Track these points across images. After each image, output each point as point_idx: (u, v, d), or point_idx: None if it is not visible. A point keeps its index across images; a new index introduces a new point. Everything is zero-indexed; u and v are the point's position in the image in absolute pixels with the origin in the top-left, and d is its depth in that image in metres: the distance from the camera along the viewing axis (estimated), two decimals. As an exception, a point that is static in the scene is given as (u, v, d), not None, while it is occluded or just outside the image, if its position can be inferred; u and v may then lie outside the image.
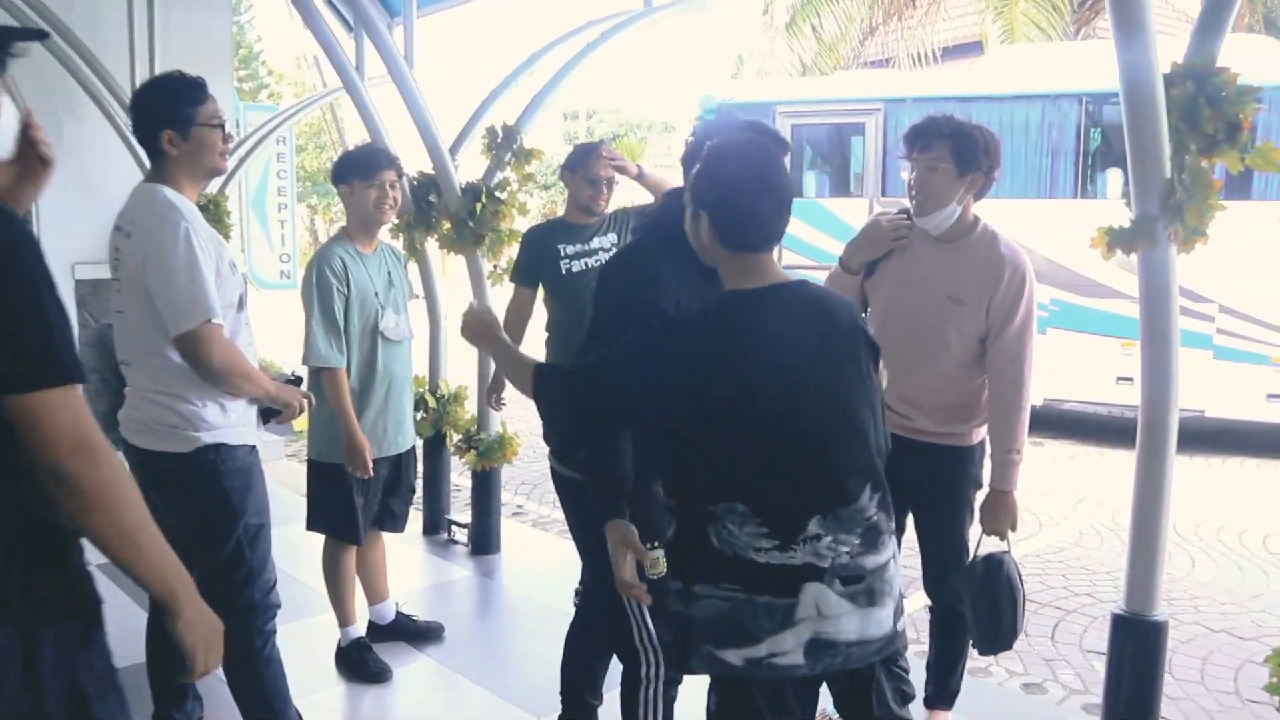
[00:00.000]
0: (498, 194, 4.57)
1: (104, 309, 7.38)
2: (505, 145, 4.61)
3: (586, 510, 2.48)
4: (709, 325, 1.98)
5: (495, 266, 4.62)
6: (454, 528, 5.07)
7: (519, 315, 3.94)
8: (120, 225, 2.56)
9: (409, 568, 4.68)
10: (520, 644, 3.92)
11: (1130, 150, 2.58)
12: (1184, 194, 2.53)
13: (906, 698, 2.15)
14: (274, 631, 2.72)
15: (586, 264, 3.76)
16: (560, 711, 3.03)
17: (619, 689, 2.71)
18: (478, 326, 2.32)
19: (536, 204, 23.76)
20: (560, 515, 6.15)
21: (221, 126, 2.56)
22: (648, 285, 2.33)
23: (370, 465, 3.28)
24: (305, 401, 2.78)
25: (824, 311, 2.01)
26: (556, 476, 2.80)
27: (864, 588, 1.95)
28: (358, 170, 3.37)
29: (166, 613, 1.65)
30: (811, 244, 8.53)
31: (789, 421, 1.91)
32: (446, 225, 4.65)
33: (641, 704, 2.59)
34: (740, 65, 16.57)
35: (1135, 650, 2.78)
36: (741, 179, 1.96)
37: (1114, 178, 8.22)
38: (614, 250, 3.76)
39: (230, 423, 2.60)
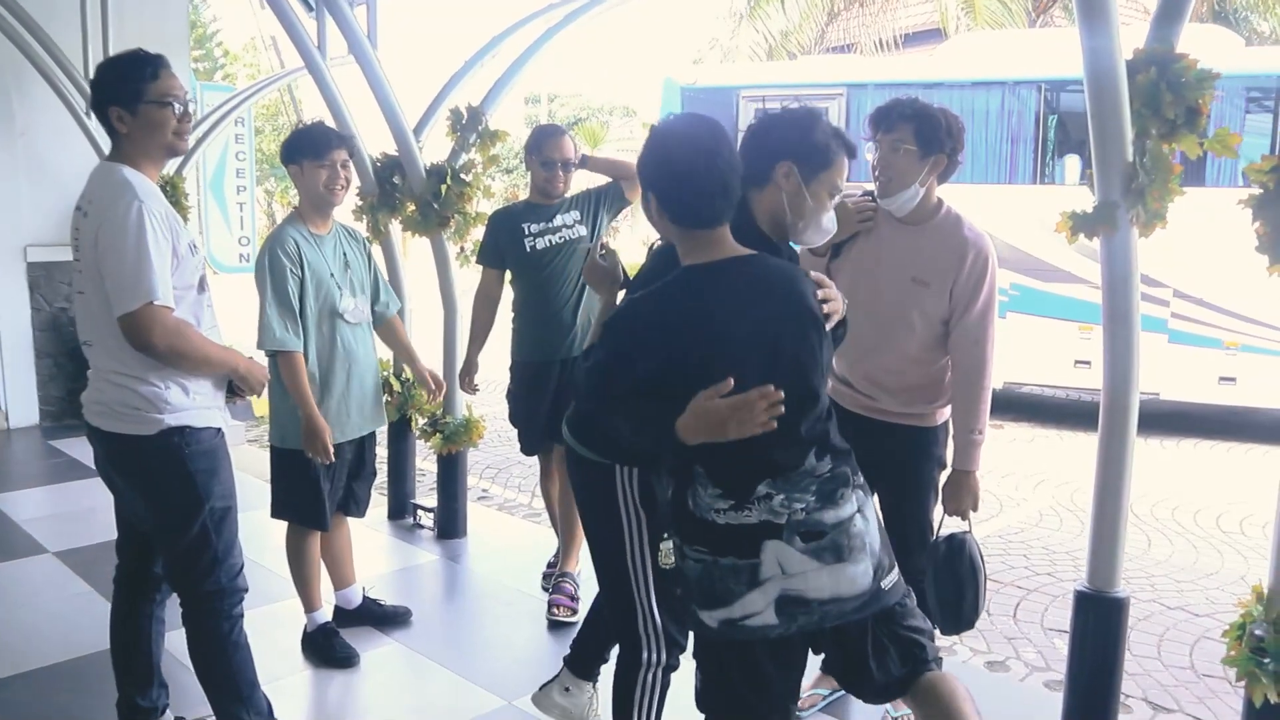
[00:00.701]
0: (463, 176, 4.53)
1: (57, 292, 7.25)
2: (470, 127, 4.57)
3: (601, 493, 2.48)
4: (663, 297, 2.03)
5: (461, 249, 4.59)
6: (419, 512, 5.05)
7: (487, 297, 3.98)
8: (80, 205, 2.52)
9: (375, 552, 4.65)
10: (488, 627, 3.92)
11: (1093, 135, 2.62)
12: (1145, 178, 2.57)
13: (916, 660, 2.11)
14: (241, 615, 2.69)
15: (549, 241, 3.84)
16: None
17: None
18: (602, 273, 2.55)
19: (500, 187, 23.63)
20: (524, 499, 6.20)
21: (173, 105, 2.48)
22: None
23: (331, 450, 3.24)
24: (268, 379, 2.74)
25: (770, 285, 2.03)
26: (577, 460, 2.59)
27: (828, 543, 1.98)
28: (308, 150, 3.31)
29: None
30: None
31: (735, 390, 1.90)
32: (411, 207, 4.61)
33: (639, 689, 2.55)
34: (707, 50, 16.55)
35: (1097, 626, 2.83)
36: (683, 158, 2.01)
37: (1072, 163, 8.33)
38: (575, 227, 3.82)
39: (195, 405, 2.56)
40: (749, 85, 9.06)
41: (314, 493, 3.34)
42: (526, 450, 4.10)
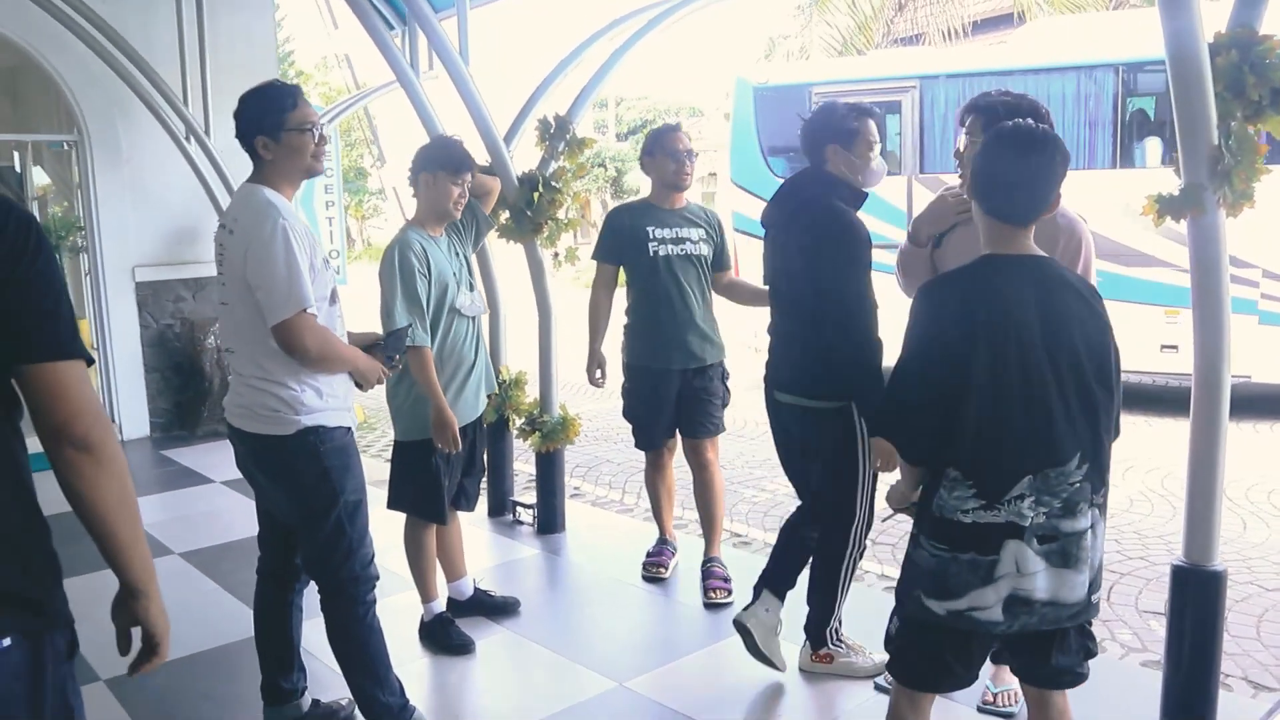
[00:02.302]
0: (553, 184, 4.70)
1: (163, 310, 7.62)
2: (558, 135, 4.75)
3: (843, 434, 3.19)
4: (958, 280, 2.26)
5: (555, 254, 4.78)
6: (519, 509, 5.24)
7: (605, 291, 4.20)
8: (224, 223, 2.77)
9: (479, 548, 4.85)
10: (594, 615, 4.08)
11: (1178, 118, 2.68)
12: (1231, 159, 2.62)
13: (1090, 653, 2.33)
14: (374, 601, 2.91)
15: (673, 251, 4.00)
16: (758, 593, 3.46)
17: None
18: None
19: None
20: (615, 495, 6.36)
21: (312, 131, 2.72)
22: None
23: (459, 440, 3.44)
24: (384, 373, 2.94)
25: (1064, 281, 2.22)
26: (805, 411, 3.26)
27: (1058, 548, 2.16)
28: (448, 164, 3.52)
29: (139, 595, 1.69)
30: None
31: (1021, 378, 2.13)
32: (504, 215, 4.79)
33: (846, 561, 3.33)
34: (773, 47, 16.57)
35: (1195, 600, 2.88)
36: (1003, 169, 2.21)
37: (1152, 146, 8.23)
38: (699, 244, 3.97)
39: (327, 406, 2.79)
40: (821, 82, 9.11)
41: (434, 486, 3.54)
42: (643, 446, 4.28)
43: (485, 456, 3.96)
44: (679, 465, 4.43)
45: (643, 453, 4.38)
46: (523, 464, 6.19)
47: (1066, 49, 8.48)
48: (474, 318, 3.67)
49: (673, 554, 4.38)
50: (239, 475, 6.11)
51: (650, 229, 4.01)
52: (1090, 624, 2.31)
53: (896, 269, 3.18)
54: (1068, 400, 2.14)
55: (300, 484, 2.78)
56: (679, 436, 4.26)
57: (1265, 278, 7.76)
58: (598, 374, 4.31)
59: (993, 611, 2.17)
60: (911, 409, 2.28)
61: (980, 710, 3.19)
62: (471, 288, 3.67)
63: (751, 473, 6.61)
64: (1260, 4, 2.70)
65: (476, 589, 4.02)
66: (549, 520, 5.06)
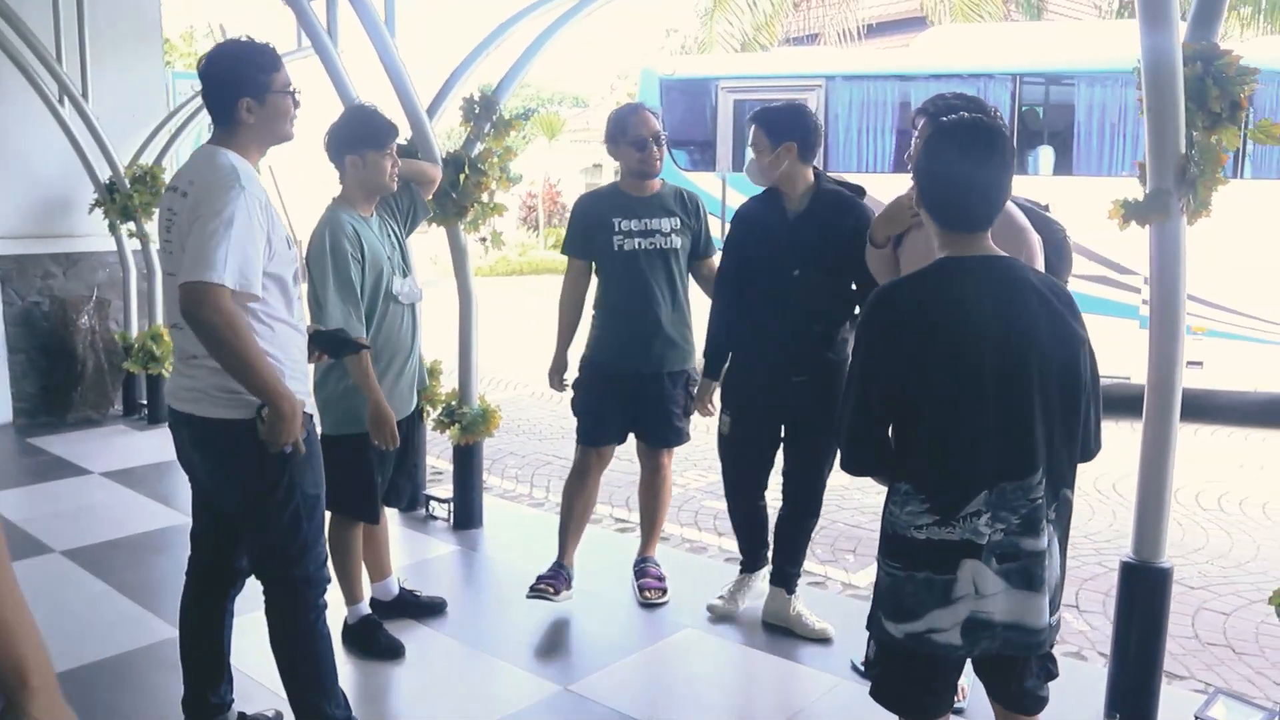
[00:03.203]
0: (479, 165, 4.51)
1: (30, 286, 7.07)
2: (484, 115, 4.56)
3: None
4: (911, 284, 2.15)
5: (483, 239, 4.59)
6: (432, 503, 5.03)
7: (575, 289, 3.90)
8: (176, 185, 2.52)
9: (392, 544, 4.54)
10: (524, 615, 3.90)
11: (1149, 127, 2.71)
12: (1196, 169, 2.67)
13: (1050, 674, 2.26)
14: (325, 606, 2.71)
15: (639, 245, 3.73)
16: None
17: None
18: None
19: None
20: (524, 489, 6.21)
21: (294, 94, 2.54)
22: None
23: (397, 435, 3.24)
24: (299, 442, 2.53)
25: (1026, 287, 2.08)
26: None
27: (1019, 567, 2.05)
28: (375, 139, 3.29)
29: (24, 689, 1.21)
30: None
31: (976, 387, 2.02)
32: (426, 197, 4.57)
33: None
34: (666, 39, 16.56)
35: (1143, 595, 2.95)
36: (952, 176, 2.11)
37: (1044, 155, 8.52)
38: (672, 235, 3.76)
39: (298, 390, 2.56)
40: (728, 76, 9.11)
41: (368, 484, 3.33)
42: (586, 440, 3.96)
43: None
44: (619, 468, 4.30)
45: (561, 459, 4.09)
46: (432, 456, 5.98)
47: (969, 56, 8.70)
48: (411, 305, 3.46)
49: (567, 583, 3.91)
50: (119, 466, 5.89)
51: (616, 220, 3.72)
52: (1052, 644, 2.23)
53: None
54: (1029, 411, 2.03)
55: (254, 474, 2.54)
56: (634, 443, 4.05)
57: (1146, 284, 8.10)
58: (558, 379, 4.00)
59: (950, 634, 2.08)
60: (857, 419, 2.14)
61: None
62: (406, 273, 3.45)
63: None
64: (1216, 20, 2.78)
65: (402, 589, 3.82)
66: (466, 515, 4.88)
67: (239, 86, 2.48)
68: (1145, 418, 2.93)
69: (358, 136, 3.29)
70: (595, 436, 3.96)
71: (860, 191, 3.61)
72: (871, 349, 2.11)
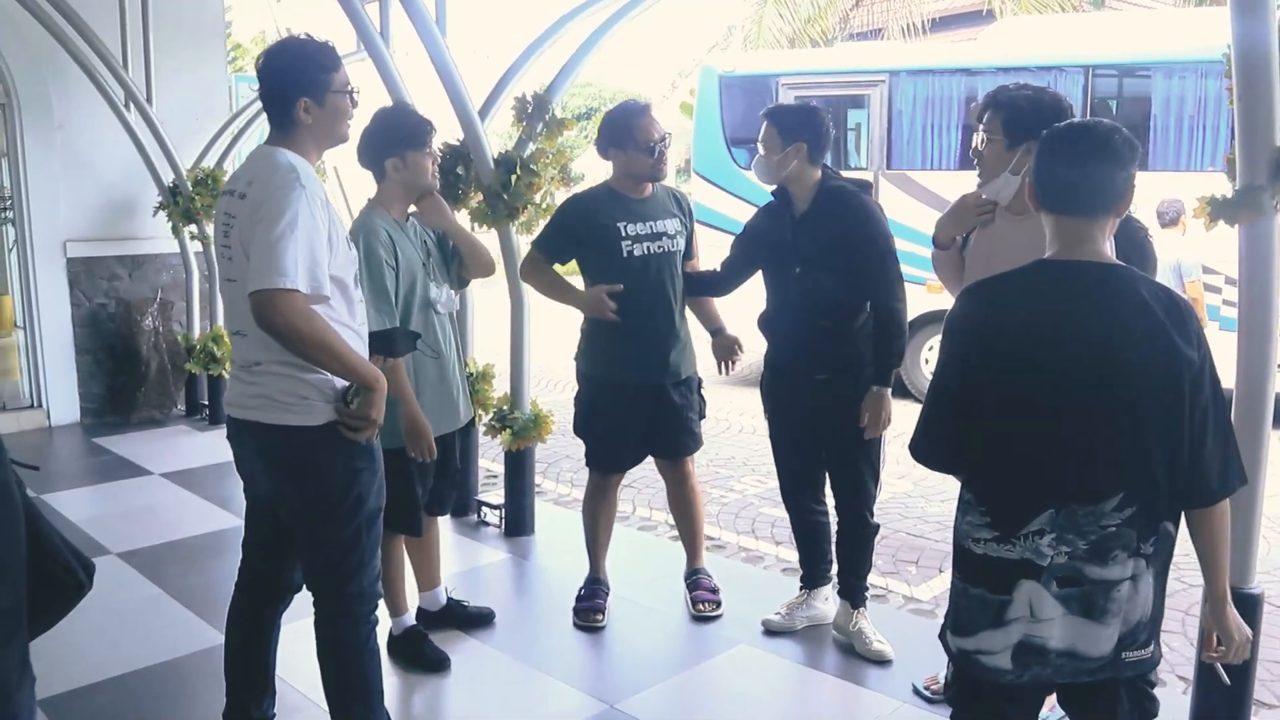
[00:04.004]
0: (531, 166, 4.43)
1: (96, 288, 7.18)
2: (537, 115, 4.48)
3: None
4: (1001, 286, 2.04)
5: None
6: (484, 509, 4.96)
7: (539, 268, 3.73)
8: (233, 188, 2.45)
9: (441, 551, 4.54)
10: (575, 629, 3.80)
11: (1240, 120, 2.52)
12: (1293, 163, 2.47)
13: (1148, 714, 2.08)
14: (377, 622, 2.64)
15: (650, 249, 3.55)
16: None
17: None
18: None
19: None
20: (579, 494, 6.10)
21: (352, 94, 2.48)
22: None
23: (434, 448, 3.15)
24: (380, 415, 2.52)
25: (1140, 305, 1.89)
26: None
27: (1079, 594, 1.91)
28: (410, 140, 3.19)
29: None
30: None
31: (1053, 402, 1.89)
32: (477, 198, 4.51)
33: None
34: (725, 37, 16.37)
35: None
36: (1065, 138, 2.01)
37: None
38: (676, 237, 3.62)
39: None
40: (789, 73, 8.93)
41: (409, 496, 3.23)
42: (602, 467, 3.80)
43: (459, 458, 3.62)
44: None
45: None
46: (481, 458, 5.92)
47: (1037, 48, 8.42)
48: (450, 314, 3.36)
49: (606, 594, 3.89)
50: (179, 467, 5.93)
51: (621, 224, 3.50)
52: (1149, 682, 2.06)
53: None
54: (1110, 432, 1.87)
55: (322, 483, 2.48)
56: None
57: (1227, 285, 7.77)
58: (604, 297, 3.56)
59: (1000, 658, 1.95)
60: (929, 411, 2.07)
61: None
62: (442, 281, 3.33)
63: (717, 472, 6.42)
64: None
65: (450, 599, 3.74)
66: (517, 522, 4.80)
67: (298, 86, 2.41)
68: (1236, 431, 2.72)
69: (396, 138, 3.20)
70: (611, 462, 3.80)
71: (864, 187, 3.51)
72: (948, 345, 2.03)
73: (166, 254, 7.38)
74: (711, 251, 4.08)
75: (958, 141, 8.30)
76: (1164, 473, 1.91)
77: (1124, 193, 1.96)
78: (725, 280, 3.68)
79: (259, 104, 7.22)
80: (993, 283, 2.09)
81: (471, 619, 3.72)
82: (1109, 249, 2.02)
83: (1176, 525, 1.98)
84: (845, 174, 3.61)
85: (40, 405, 7.06)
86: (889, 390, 3.38)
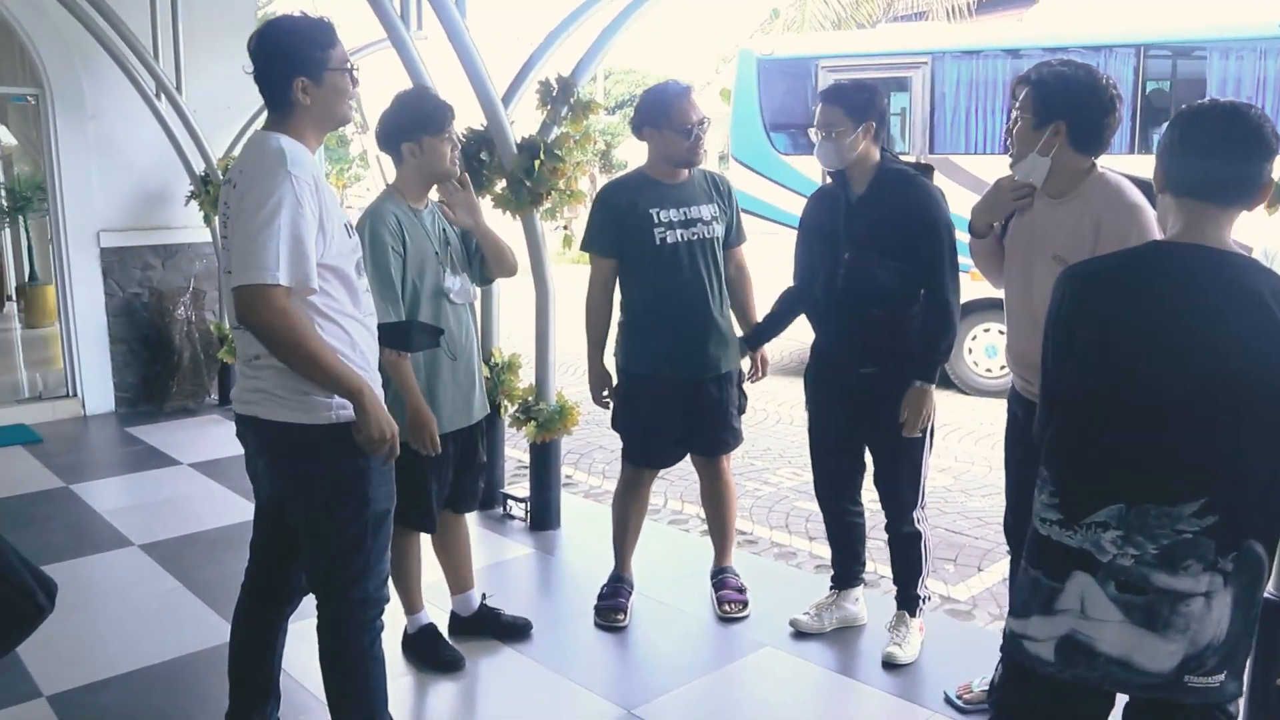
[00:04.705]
0: (556, 151, 4.30)
1: (130, 277, 7.19)
2: (561, 99, 4.35)
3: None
4: (1111, 266, 1.91)
5: (565, 227, 4.38)
6: (510, 502, 4.87)
7: (606, 291, 3.53)
8: (230, 177, 2.36)
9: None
10: (595, 628, 3.68)
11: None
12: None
13: None
14: (382, 628, 2.53)
15: (683, 237, 3.41)
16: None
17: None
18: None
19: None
20: (610, 486, 6.00)
21: (352, 71, 2.35)
22: None
23: (438, 442, 3.02)
24: (393, 431, 2.38)
25: (1265, 301, 1.74)
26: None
27: (1143, 603, 1.77)
28: (429, 124, 3.07)
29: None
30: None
31: (1149, 392, 1.77)
32: (501, 184, 4.40)
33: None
34: (770, 22, 16.12)
35: (1285, 638, 2.57)
36: (1203, 119, 1.87)
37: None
38: (712, 223, 3.47)
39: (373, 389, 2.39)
40: (828, 55, 8.70)
41: (420, 492, 3.11)
42: (639, 462, 3.68)
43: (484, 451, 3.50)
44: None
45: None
46: (511, 448, 5.83)
47: (1085, 27, 8.13)
48: (465, 304, 3.23)
49: (630, 593, 3.78)
50: (208, 457, 5.91)
51: (654, 211, 3.37)
52: (1226, 713, 1.90)
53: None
54: (1202, 432, 1.74)
55: (324, 483, 2.37)
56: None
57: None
58: (604, 393, 3.64)
59: (1043, 646, 1.86)
60: (1043, 389, 1.98)
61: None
62: (459, 270, 3.20)
63: (752, 464, 6.28)
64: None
65: (483, 605, 3.60)
66: (543, 516, 4.70)
67: (293, 65, 2.28)
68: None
69: (412, 122, 3.08)
70: (649, 458, 3.67)
71: (927, 171, 3.30)
72: (1053, 324, 1.91)
73: (199, 243, 7.38)
74: (754, 240, 3.92)
75: (1002, 125, 8.04)
76: (1257, 486, 1.76)
77: (1266, 185, 1.83)
78: (794, 275, 3.51)
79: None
80: (1101, 264, 1.97)
81: (507, 629, 3.56)
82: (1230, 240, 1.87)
83: (1270, 548, 1.81)
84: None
85: (75, 395, 7.09)
86: (933, 387, 3.20)
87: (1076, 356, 1.84)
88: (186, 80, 6.78)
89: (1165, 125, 1.90)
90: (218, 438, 6.49)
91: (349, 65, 2.36)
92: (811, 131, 3.34)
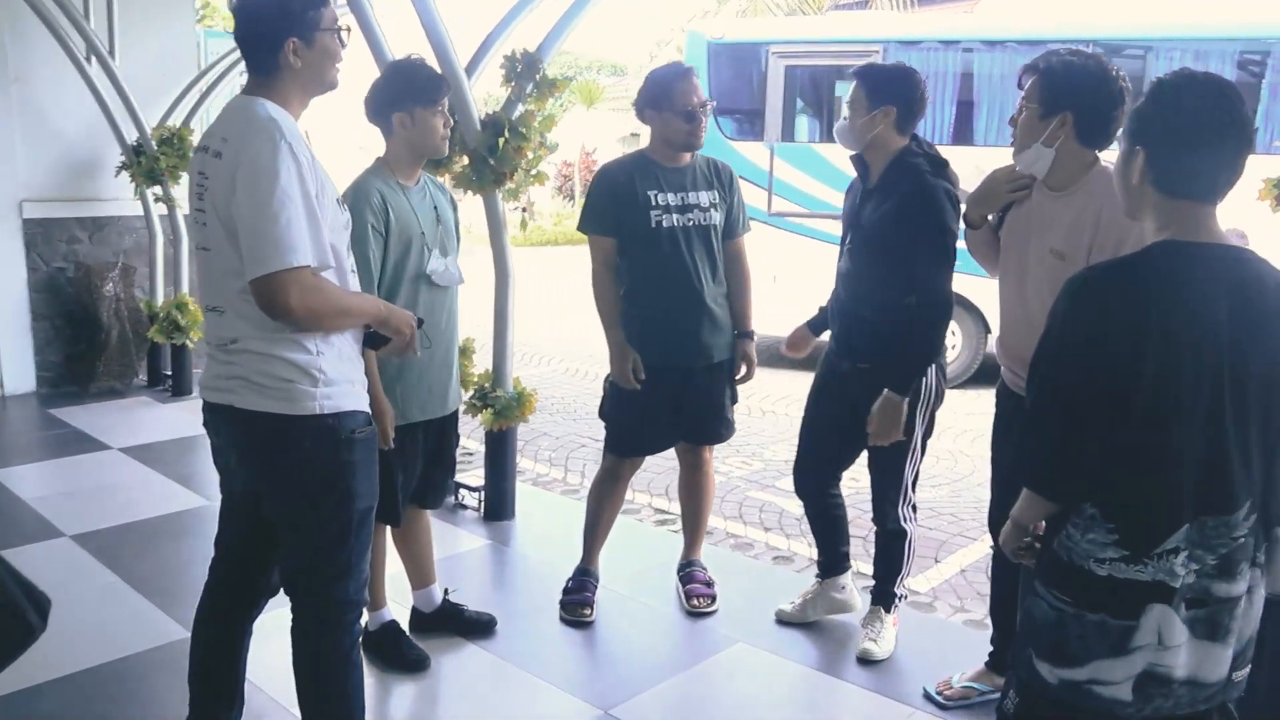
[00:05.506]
0: (520, 129, 4.15)
1: (55, 251, 6.84)
2: (527, 75, 4.20)
3: None
4: (1124, 274, 1.75)
5: (522, 209, 4.23)
6: (462, 491, 4.72)
7: (610, 271, 3.42)
8: (208, 144, 2.17)
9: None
10: (562, 625, 3.56)
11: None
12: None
13: None
14: (362, 631, 2.38)
15: (679, 222, 3.32)
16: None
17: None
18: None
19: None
20: (558, 474, 5.88)
21: (342, 33, 2.20)
22: None
23: (391, 435, 2.86)
24: (415, 328, 2.39)
25: (1275, 292, 1.71)
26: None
27: (1206, 615, 1.71)
28: (421, 94, 2.91)
29: None
30: (804, 191, 8.23)
31: (1193, 403, 1.67)
32: (462, 162, 4.23)
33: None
34: (720, 5, 16.02)
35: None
36: (1196, 114, 1.71)
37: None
38: (710, 211, 3.36)
39: (351, 378, 2.26)
40: (781, 41, 8.64)
41: (385, 483, 2.95)
42: (623, 451, 3.57)
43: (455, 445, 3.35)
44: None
45: (597, 441, 3.73)
46: (465, 437, 5.67)
47: (1037, 20, 8.19)
48: (449, 289, 3.09)
49: (596, 587, 3.67)
50: (139, 441, 5.63)
51: (652, 193, 3.29)
52: (1232, 702, 1.89)
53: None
54: (1248, 435, 1.69)
55: (305, 477, 2.21)
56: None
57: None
58: (633, 372, 3.40)
59: (1119, 689, 1.75)
60: (1066, 437, 1.76)
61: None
62: (447, 252, 3.06)
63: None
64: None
65: (446, 600, 3.46)
66: (498, 506, 4.56)
67: (285, 24, 2.12)
68: None
69: (405, 92, 2.92)
70: (635, 447, 3.57)
71: (936, 163, 3.14)
72: (1075, 346, 1.73)
73: (129, 216, 7.05)
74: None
75: (953, 115, 8.08)
76: (1278, 473, 1.75)
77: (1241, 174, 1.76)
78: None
79: (229, 60, 6.95)
80: (1117, 271, 1.80)
81: (471, 625, 3.43)
82: None
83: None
84: (837, 148, 3.34)
85: (-7, 374, 6.72)
86: (902, 399, 3.05)
87: (1115, 375, 1.69)
88: (120, 44, 6.45)
89: (1141, 102, 1.77)
90: (149, 420, 6.20)
91: (339, 26, 2.20)
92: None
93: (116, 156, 6.65)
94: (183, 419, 6.15)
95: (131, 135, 6.54)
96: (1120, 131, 1.80)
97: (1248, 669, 1.84)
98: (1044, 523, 1.87)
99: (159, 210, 6.81)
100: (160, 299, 6.93)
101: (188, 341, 6.74)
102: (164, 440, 5.66)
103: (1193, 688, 1.76)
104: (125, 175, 6.62)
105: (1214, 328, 1.67)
